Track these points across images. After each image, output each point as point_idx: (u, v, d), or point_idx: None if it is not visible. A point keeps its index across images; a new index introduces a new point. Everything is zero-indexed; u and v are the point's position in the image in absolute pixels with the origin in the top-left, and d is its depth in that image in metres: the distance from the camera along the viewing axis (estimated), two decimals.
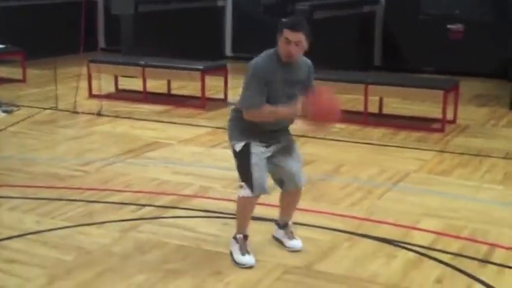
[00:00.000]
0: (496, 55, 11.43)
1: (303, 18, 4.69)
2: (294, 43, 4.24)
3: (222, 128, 8.16)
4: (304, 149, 7.36)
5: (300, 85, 4.40)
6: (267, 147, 4.49)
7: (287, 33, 4.25)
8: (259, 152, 4.46)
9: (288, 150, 4.60)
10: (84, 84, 9.88)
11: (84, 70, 9.92)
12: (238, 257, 4.57)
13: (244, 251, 4.58)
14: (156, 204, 5.68)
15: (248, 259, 4.55)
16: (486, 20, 11.64)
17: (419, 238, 4.97)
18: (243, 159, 4.48)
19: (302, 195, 5.79)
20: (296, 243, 4.80)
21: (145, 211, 5.54)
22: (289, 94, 4.35)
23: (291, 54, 4.27)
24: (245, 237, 4.63)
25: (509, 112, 9.18)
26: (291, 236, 4.84)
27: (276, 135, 4.51)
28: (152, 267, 4.51)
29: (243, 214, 4.63)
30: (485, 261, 4.62)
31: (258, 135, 4.44)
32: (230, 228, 5.16)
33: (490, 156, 7.08)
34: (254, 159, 4.43)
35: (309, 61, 4.50)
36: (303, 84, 4.42)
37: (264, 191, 4.50)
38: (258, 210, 4.86)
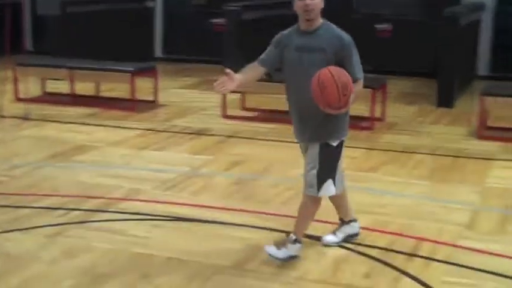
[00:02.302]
0: (424, 54, 11.67)
1: None
2: None
3: (151, 130, 8.13)
4: (235, 149, 7.39)
5: (320, 53, 4.30)
6: None
7: None
8: None
9: None
10: (10, 87, 9.66)
11: (10, 73, 9.70)
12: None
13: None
14: (85, 208, 5.59)
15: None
16: (414, 19, 11.87)
17: None
18: (336, 155, 4.52)
19: (233, 194, 5.83)
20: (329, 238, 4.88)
21: (73, 215, 5.44)
22: (308, 61, 4.33)
23: (307, 7, 4.28)
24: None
25: (436, 109, 9.38)
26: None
27: None
28: (80, 272, 4.44)
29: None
30: (412, 255, 4.71)
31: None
32: (159, 229, 5.14)
33: (417, 153, 7.22)
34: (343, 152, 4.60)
35: (342, 34, 4.39)
36: (324, 53, 4.30)
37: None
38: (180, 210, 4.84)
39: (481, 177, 6.48)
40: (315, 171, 4.47)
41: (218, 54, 11.17)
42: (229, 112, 8.81)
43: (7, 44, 9.34)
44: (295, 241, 4.57)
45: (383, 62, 11.66)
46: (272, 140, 7.75)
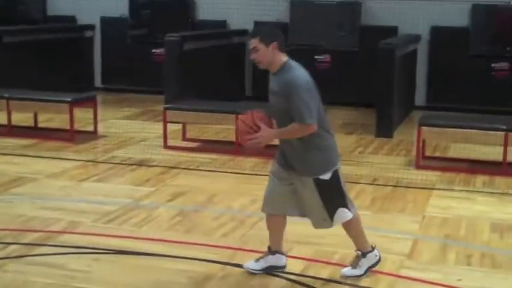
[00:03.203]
0: (362, 84, 11.87)
1: (270, 26, 4.83)
2: (251, 50, 4.47)
3: (91, 161, 8.02)
4: (177, 180, 7.35)
5: (276, 97, 4.47)
6: None
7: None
8: None
9: None
10: None
11: None
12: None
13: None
14: (23, 241, 5.46)
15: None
16: (351, 50, 12.06)
17: (292, 265, 5.01)
18: (335, 186, 4.60)
19: (176, 226, 5.78)
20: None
21: (11, 249, 5.30)
22: (272, 102, 4.54)
23: (254, 61, 4.49)
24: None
25: (375, 139, 9.51)
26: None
27: None
28: None
29: (359, 230, 4.83)
30: (354, 286, 4.72)
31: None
32: (100, 263, 5.05)
33: (358, 183, 7.29)
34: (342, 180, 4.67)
35: (289, 78, 4.42)
36: (280, 97, 4.43)
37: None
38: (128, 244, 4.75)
39: (420, 206, 6.58)
40: (322, 208, 4.60)
41: (158, 84, 11.14)
42: (171, 143, 8.77)
43: None
44: (364, 254, 4.81)
45: (322, 92, 11.83)
46: (214, 171, 7.73)
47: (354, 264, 4.85)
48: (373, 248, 4.86)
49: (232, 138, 8.61)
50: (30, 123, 9.76)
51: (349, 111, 11.52)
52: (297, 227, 5.83)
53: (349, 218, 4.68)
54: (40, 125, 9.80)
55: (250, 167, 7.94)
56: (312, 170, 4.51)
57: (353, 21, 12.24)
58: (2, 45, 11.26)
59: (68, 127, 9.10)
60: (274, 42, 4.43)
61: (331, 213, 4.61)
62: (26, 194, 6.77)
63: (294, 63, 4.51)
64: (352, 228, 4.79)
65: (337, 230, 5.79)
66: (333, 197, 4.59)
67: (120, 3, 13.23)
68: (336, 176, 4.58)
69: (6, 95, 9.30)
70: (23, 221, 5.95)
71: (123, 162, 8.00)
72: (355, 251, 4.87)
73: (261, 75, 13.38)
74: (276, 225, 4.87)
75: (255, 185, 7.20)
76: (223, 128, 9.25)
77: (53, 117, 9.98)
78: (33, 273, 4.85)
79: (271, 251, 4.89)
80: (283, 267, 4.90)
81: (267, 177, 7.37)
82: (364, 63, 11.75)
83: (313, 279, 4.80)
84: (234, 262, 5.09)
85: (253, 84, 12.76)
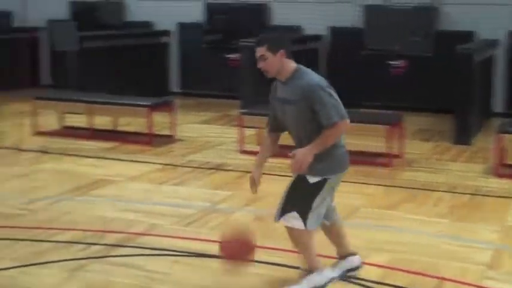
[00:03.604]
0: (439, 90, 11.71)
1: (277, 33, 4.75)
2: (259, 58, 4.34)
3: (170, 165, 8.15)
4: None
5: (290, 105, 4.32)
6: None
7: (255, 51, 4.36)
8: None
9: None
10: (28, 121, 9.73)
11: (28, 107, 9.78)
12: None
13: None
14: (104, 242, 5.60)
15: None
16: (425, 55, 11.91)
17: (369, 272, 4.99)
18: (311, 192, 4.44)
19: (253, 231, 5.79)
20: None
21: (93, 250, 5.45)
22: (288, 111, 4.38)
23: (262, 69, 4.36)
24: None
25: (453, 146, 9.36)
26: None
27: None
28: None
29: (309, 246, 4.65)
30: None
31: None
32: (179, 265, 5.14)
33: (436, 190, 7.20)
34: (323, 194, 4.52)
35: (304, 83, 4.29)
36: (298, 104, 4.29)
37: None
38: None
39: (500, 215, 6.45)
40: (282, 198, 4.48)
41: (234, 89, 11.24)
42: (246, 147, 8.84)
43: (25, 78, 9.42)
44: (310, 271, 4.57)
45: (396, 98, 11.72)
46: (290, 176, 7.72)
47: (298, 279, 4.65)
48: (353, 253, 4.76)
49: None
50: (110, 126, 10.00)
51: (424, 118, 11.36)
52: (374, 234, 5.83)
53: (296, 227, 4.44)
54: (119, 128, 10.03)
55: None
56: (310, 169, 4.33)
57: (428, 26, 12.07)
58: (82, 51, 11.55)
59: (146, 131, 9.30)
60: (282, 50, 4.32)
61: (284, 210, 4.43)
62: (107, 196, 6.94)
63: (305, 68, 4.41)
64: (301, 241, 4.54)
65: (416, 238, 5.79)
66: (298, 197, 4.40)
67: (196, 9, 13.42)
68: (320, 185, 4.38)
69: (88, 99, 9.56)
70: (104, 222, 6.10)
71: (201, 166, 8.11)
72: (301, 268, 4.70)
73: (335, 81, 13.35)
74: (328, 232, 4.84)
75: None
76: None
77: (132, 121, 10.20)
78: (114, 274, 4.97)
79: (342, 257, 4.85)
80: (359, 266, 4.84)
81: (342, 183, 7.40)
82: (440, 69, 11.59)
83: (390, 287, 4.77)
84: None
85: None
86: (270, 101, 4.61)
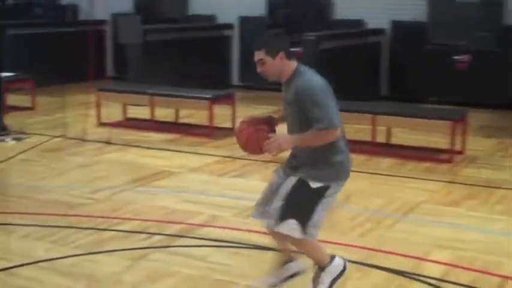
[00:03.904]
0: (501, 86, 11.48)
1: (271, 34, 4.28)
2: (257, 62, 4.14)
3: (229, 157, 8.20)
4: None
5: (290, 106, 4.10)
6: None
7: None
8: None
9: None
10: (92, 112, 9.92)
11: (93, 98, 9.98)
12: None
13: None
14: (166, 232, 5.67)
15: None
16: (491, 50, 11.69)
17: (431, 270, 4.95)
18: (312, 198, 4.14)
19: None
20: None
21: (155, 240, 5.54)
22: (286, 112, 4.19)
23: (261, 73, 4.16)
24: None
25: None
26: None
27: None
28: None
29: (315, 247, 4.33)
30: None
31: None
32: (239, 257, 5.17)
33: (499, 188, 7.07)
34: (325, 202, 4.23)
35: (301, 81, 4.05)
36: (294, 105, 4.06)
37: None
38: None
39: None
40: (280, 204, 4.13)
41: None
42: None
43: (90, 70, 9.59)
44: (322, 268, 4.30)
45: (459, 93, 11.53)
46: (351, 170, 7.69)
47: (316, 279, 4.34)
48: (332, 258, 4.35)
49: (369, 138, 8.56)
50: (172, 118, 10.12)
51: (487, 114, 11.14)
52: (435, 231, 5.77)
53: (294, 236, 4.12)
54: (180, 120, 10.14)
55: (387, 167, 7.88)
56: (308, 172, 4.09)
57: (494, 20, 11.84)
58: (145, 44, 11.70)
59: (207, 123, 9.38)
60: (281, 52, 4.06)
61: (283, 216, 4.10)
62: (169, 187, 7.03)
63: (304, 68, 4.14)
64: (304, 248, 4.26)
65: (478, 235, 5.70)
66: (298, 204, 4.11)
67: (259, 2, 13.45)
68: (322, 192, 4.11)
69: (151, 91, 9.70)
70: (166, 213, 6.18)
71: (260, 159, 8.12)
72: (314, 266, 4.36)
73: (397, 76, 13.27)
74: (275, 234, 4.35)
75: (391, 186, 7.15)
76: (359, 128, 9.20)
77: (193, 113, 10.29)
78: (176, 263, 5.03)
79: (287, 262, 4.47)
80: (304, 270, 4.47)
81: (404, 178, 7.40)
82: (505, 64, 11.36)
83: (453, 285, 4.71)
84: (371, 263, 5.08)
85: (388, 84, 12.65)
86: None
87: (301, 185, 4.10)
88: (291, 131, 4.18)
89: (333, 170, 4.15)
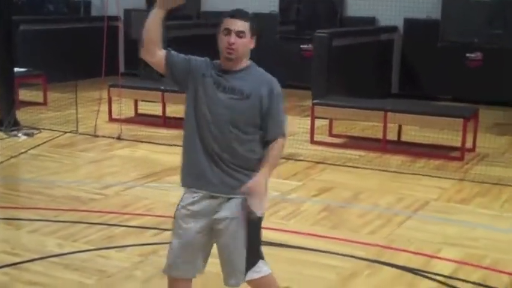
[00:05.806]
0: None
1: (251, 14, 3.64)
2: (235, 33, 3.46)
3: None
4: (323, 175, 7.40)
5: (240, 100, 3.45)
6: None
7: (227, 22, 3.49)
8: None
9: None
10: (104, 108, 9.95)
11: (105, 94, 10.00)
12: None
13: None
14: None
15: None
16: (505, 48, 11.64)
17: (441, 267, 4.95)
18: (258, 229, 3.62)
19: (321, 221, 5.78)
20: None
21: (165, 235, 5.53)
22: (229, 103, 3.48)
23: (230, 46, 3.44)
24: None
25: None
26: None
27: None
28: None
29: None
30: None
31: None
32: None
33: (510, 185, 7.05)
34: None
35: (274, 82, 3.54)
36: (250, 99, 3.45)
37: None
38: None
39: None
40: (243, 252, 3.57)
41: (306, 79, 11.21)
42: (317, 138, 8.83)
43: (102, 66, 9.62)
44: None
45: (472, 91, 11.48)
46: (360, 168, 7.72)
47: None
48: None
49: (380, 135, 8.55)
50: (183, 114, 10.08)
51: (500, 111, 11.09)
52: (445, 228, 5.77)
53: (266, 274, 3.63)
54: None
55: (397, 165, 7.87)
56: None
57: (508, 17, 11.80)
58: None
59: None
60: (256, 36, 3.53)
61: (249, 266, 3.56)
62: (179, 182, 6.99)
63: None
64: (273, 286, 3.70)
65: (489, 233, 5.69)
66: (256, 243, 3.59)
67: None
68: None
69: (162, 88, 9.71)
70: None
71: None
72: None
73: (409, 73, 13.22)
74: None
75: (401, 183, 7.15)
76: (370, 125, 9.21)
77: None
78: None
79: None
80: None
81: (414, 176, 7.39)
82: None
83: (462, 282, 4.71)
84: (381, 260, 5.08)
85: (400, 81, 12.62)
86: (191, 60, 3.72)
87: (253, 223, 3.54)
88: (216, 129, 3.54)
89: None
